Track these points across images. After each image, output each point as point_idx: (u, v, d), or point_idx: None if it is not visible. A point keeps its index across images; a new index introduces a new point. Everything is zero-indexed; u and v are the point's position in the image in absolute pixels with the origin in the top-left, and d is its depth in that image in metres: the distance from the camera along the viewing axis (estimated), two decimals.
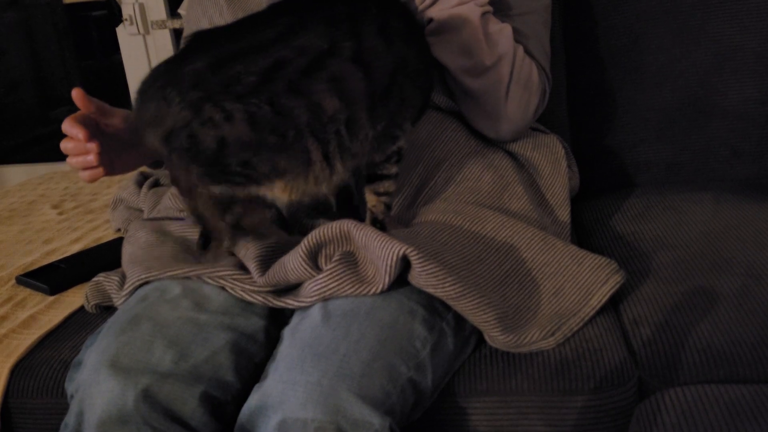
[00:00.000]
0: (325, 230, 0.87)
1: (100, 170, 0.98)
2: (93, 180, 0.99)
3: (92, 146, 0.96)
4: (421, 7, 1.13)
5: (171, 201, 1.11)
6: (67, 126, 0.96)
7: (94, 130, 0.98)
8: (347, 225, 0.87)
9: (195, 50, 0.81)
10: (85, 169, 0.98)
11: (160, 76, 0.81)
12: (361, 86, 0.82)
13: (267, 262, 0.91)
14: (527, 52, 1.15)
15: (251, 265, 0.91)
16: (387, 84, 0.85)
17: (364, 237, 0.86)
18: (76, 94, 0.95)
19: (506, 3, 1.17)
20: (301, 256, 0.87)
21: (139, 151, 1.05)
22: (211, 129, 0.77)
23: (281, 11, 0.84)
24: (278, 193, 0.83)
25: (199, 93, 0.77)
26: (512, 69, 1.11)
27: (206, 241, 0.88)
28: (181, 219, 1.08)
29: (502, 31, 1.11)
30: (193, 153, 0.78)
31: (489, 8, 1.11)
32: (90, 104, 0.97)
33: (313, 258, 0.88)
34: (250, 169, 0.80)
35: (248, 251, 0.92)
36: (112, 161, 1.01)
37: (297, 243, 0.89)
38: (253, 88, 0.77)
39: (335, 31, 0.82)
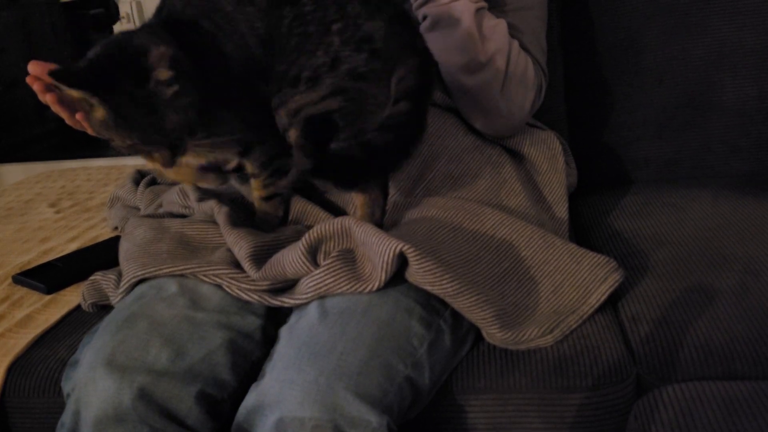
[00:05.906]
0: (327, 226, 0.88)
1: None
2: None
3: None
4: (415, 5, 1.13)
5: (178, 197, 1.10)
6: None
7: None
8: (348, 221, 0.87)
9: None
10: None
11: None
12: None
13: (260, 259, 0.91)
14: (523, 47, 1.15)
15: (245, 264, 0.90)
16: None
17: (363, 234, 0.86)
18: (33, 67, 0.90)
19: None
20: (301, 251, 0.87)
21: None
22: None
23: None
24: None
25: None
26: (507, 65, 1.11)
27: None
28: (184, 216, 1.07)
29: (497, 27, 1.11)
30: None
31: (483, 4, 1.11)
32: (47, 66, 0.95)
33: (313, 253, 0.88)
34: None
35: (241, 249, 0.91)
36: None
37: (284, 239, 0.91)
38: None
39: None
